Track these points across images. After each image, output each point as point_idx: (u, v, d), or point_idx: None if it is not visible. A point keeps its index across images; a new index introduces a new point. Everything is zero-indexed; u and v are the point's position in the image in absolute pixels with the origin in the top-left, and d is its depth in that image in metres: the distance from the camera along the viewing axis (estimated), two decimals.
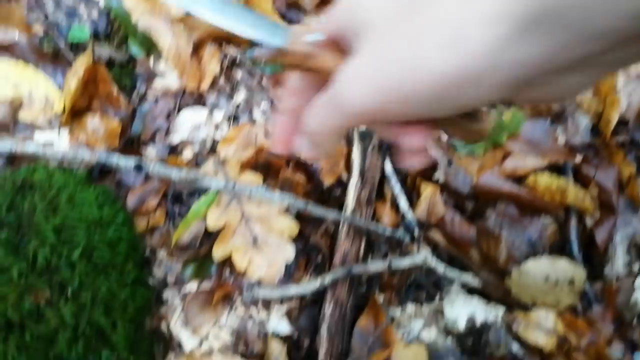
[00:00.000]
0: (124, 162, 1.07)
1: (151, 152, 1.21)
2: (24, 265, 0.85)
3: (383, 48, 0.33)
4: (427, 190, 1.25)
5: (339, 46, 0.39)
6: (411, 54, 0.31)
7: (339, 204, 1.21)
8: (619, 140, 1.31)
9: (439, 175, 1.26)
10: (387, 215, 1.22)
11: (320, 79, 0.41)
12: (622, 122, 1.34)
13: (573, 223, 1.22)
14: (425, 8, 0.31)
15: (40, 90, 1.16)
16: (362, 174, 1.18)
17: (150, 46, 1.25)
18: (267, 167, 1.22)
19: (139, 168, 1.07)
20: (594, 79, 0.33)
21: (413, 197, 1.27)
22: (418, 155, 0.41)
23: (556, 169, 1.29)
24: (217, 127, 1.26)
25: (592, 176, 1.25)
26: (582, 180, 1.27)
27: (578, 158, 1.31)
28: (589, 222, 1.25)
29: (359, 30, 0.35)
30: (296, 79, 0.45)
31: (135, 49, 1.26)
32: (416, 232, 1.18)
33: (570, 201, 1.21)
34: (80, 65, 1.16)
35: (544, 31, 0.27)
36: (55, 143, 1.15)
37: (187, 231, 1.12)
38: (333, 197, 1.23)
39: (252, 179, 1.18)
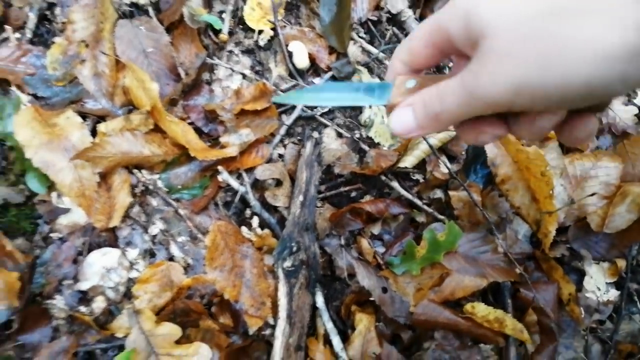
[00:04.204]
0: None
1: (59, 303, 1.10)
2: None
3: (518, 51, 0.38)
4: (362, 323, 1.18)
5: (440, 49, 0.48)
6: (556, 59, 0.36)
7: (269, 348, 1.13)
8: (557, 253, 1.26)
9: (375, 302, 1.19)
10: (320, 355, 1.15)
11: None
12: (562, 228, 1.29)
13: (512, 352, 1.17)
14: (564, 20, 0.36)
15: None
16: (290, 317, 1.10)
17: (52, 181, 1.12)
18: (186, 313, 1.12)
19: None
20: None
21: (348, 330, 1.19)
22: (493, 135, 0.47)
23: (496, 289, 1.23)
24: (131, 266, 1.15)
25: (531, 298, 1.20)
26: (521, 302, 1.21)
27: (518, 270, 1.26)
28: (529, 347, 1.19)
29: (485, 32, 0.40)
30: (421, 44, 0.50)
31: (34, 185, 1.14)
32: None
33: (508, 332, 1.16)
34: None
35: None
36: None
37: None
38: (261, 340, 1.14)
39: (170, 331, 1.08)
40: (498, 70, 0.39)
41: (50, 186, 1.16)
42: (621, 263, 1.26)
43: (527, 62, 0.38)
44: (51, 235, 1.14)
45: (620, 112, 1.38)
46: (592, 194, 1.21)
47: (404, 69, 0.53)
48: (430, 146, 1.21)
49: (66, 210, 1.16)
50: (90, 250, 1.15)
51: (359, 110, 1.31)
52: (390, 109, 0.52)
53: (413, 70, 0.53)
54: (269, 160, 1.22)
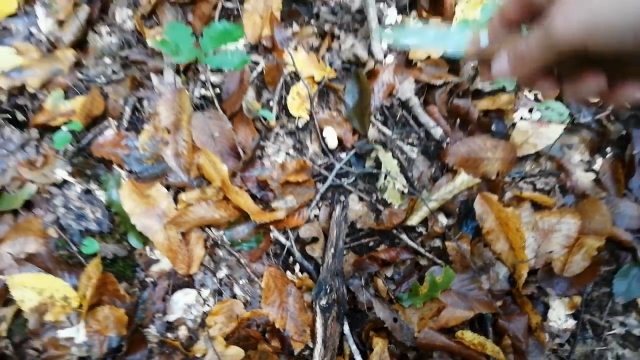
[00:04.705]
0: None
1: (152, 331, 1.50)
2: None
3: None
4: (378, 345, 1.57)
5: (522, 5, 0.55)
6: None
7: None
8: (528, 291, 1.64)
9: (388, 328, 1.58)
10: None
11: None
12: (533, 271, 1.67)
13: None
14: None
15: (59, 293, 1.43)
16: (324, 342, 1.49)
17: (146, 238, 1.52)
18: (247, 338, 1.52)
19: None
20: None
21: (367, 351, 1.58)
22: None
23: (480, 319, 1.62)
24: (204, 302, 1.55)
25: (506, 327, 1.59)
26: (499, 329, 1.60)
27: (498, 304, 1.64)
28: None
29: None
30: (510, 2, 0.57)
31: (134, 241, 1.54)
32: None
33: (489, 353, 1.55)
34: (92, 271, 1.44)
35: None
36: (75, 337, 1.43)
37: None
38: (302, 359, 1.54)
39: (236, 352, 1.48)
40: (572, 12, 0.44)
41: (145, 242, 1.55)
42: (577, 299, 1.65)
43: (602, 1, 0.42)
44: (146, 279, 1.54)
45: (582, 177, 1.77)
46: (550, 252, 1.59)
47: (501, 22, 0.59)
48: (431, 210, 1.61)
49: (157, 261, 1.56)
50: (174, 290, 1.55)
51: (375, 178, 1.70)
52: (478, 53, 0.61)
53: (508, 24, 0.59)
54: (308, 221, 1.62)
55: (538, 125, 1.72)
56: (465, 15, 1.79)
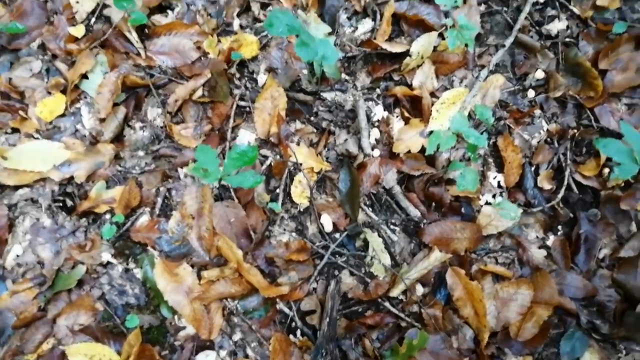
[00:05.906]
0: None
1: None
2: None
3: None
4: None
5: None
6: None
7: None
8: (489, 351, 2.01)
9: None
10: None
11: None
12: (494, 333, 2.04)
13: None
14: None
15: (106, 358, 1.78)
16: None
17: (175, 310, 1.88)
18: None
19: None
20: None
21: None
22: None
23: None
24: None
25: None
26: None
27: None
28: None
29: None
30: None
31: (165, 312, 1.89)
32: None
33: None
34: (133, 340, 1.79)
35: None
36: None
37: None
38: None
39: None
40: None
41: (174, 313, 1.91)
42: (529, 358, 2.01)
43: None
44: (175, 343, 1.90)
45: (536, 252, 2.13)
46: (505, 323, 1.95)
47: None
48: (407, 287, 1.97)
49: (183, 327, 1.91)
50: (197, 352, 1.90)
51: (364, 255, 2.06)
52: None
53: None
54: (308, 294, 1.97)
55: (499, 209, 2.08)
56: (441, 115, 2.15)
